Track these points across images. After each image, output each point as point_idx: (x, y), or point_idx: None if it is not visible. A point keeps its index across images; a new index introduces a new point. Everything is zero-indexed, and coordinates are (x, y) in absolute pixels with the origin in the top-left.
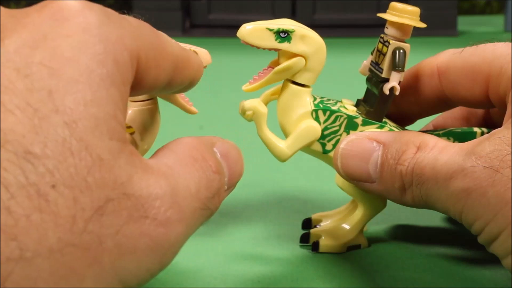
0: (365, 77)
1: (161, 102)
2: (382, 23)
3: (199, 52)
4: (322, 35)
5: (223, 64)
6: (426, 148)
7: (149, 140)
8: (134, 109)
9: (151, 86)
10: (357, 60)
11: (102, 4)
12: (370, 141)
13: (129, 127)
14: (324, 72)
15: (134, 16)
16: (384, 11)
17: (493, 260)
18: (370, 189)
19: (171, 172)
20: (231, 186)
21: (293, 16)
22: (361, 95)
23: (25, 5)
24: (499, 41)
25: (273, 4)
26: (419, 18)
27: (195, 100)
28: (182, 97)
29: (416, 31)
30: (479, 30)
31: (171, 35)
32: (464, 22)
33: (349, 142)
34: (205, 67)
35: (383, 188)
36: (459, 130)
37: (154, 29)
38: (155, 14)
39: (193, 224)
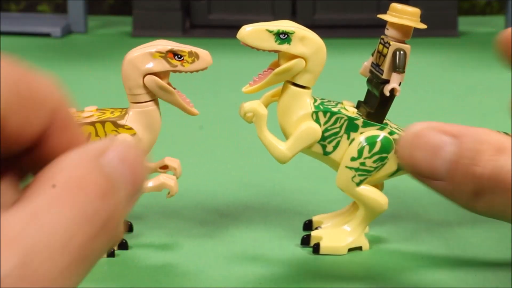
0: (365, 78)
1: (161, 103)
2: (383, 23)
3: (200, 54)
4: (322, 35)
5: (223, 64)
6: (506, 151)
7: (150, 142)
8: (135, 110)
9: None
10: (358, 61)
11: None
12: (441, 133)
13: (130, 128)
14: (324, 72)
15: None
16: (385, 12)
17: (496, 263)
18: (436, 188)
19: (29, 229)
20: (136, 193)
21: (293, 16)
22: (361, 96)
23: (25, 6)
24: None
25: (273, 4)
26: (419, 19)
27: (195, 101)
28: (183, 98)
29: (416, 32)
30: (480, 31)
31: (171, 35)
32: (464, 23)
33: (417, 130)
34: (205, 68)
35: (452, 189)
36: None
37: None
38: (155, 14)
39: (71, 281)
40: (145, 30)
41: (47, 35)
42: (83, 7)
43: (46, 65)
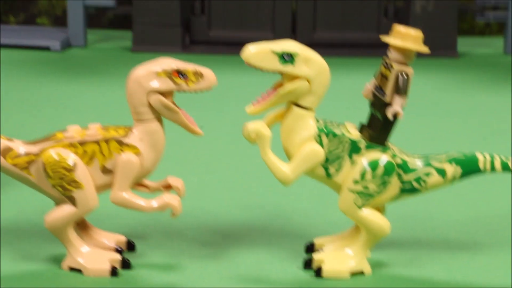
0: (366, 97)
1: (165, 121)
2: (382, 43)
3: (204, 73)
4: (321, 53)
5: (223, 81)
6: None
7: (154, 161)
8: (139, 129)
9: None
10: (358, 80)
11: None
12: None
13: (134, 147)
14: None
15: None
16: (385, 31)
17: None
18: None
19: None
20: None
21: (293, 34)
22: (361, 115)
23: (24, 18)
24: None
25: (274, 21)
26: (422, 42)
27: (196, 119)
28: (187, 118)
29: (417, 53)
30: (479, 52)
31: (171, 50)
32: (463, 44)
33: None
34: (210, 88)
35: None
36: (462, 156)
37: None
38: (154, 30)
39: None
40: (145, 45)
41: (46, 48)
42: (83, 20)
43: (45, 79)
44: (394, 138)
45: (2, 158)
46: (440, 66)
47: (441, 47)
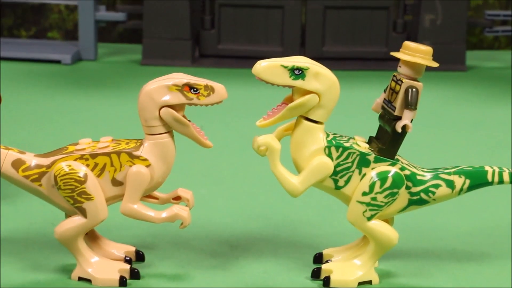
0: (374, 112)
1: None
2: (391, 57)
3: (215, 87)
4: (330, 67)
5: (232, 94)
6: None
7: (164, 173)
8: (150, 142)
9: None
10: (366, 94)
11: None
12: None
13: (145, 159)
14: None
15: None
16: (394, 45)
17: None
18: None
19: None
20: None
21: (302, 47)
22: (370, 129)
23: (35, 32)
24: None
25: (283, 35)
26: (431, 58)
27: (205, 132)
28: (197, 131)
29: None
30: (488, 65)
31: (180, 64)
32: (472, 57)
33: None
34: (221, 102)
35: None
36: (471, 168)
37: None
38: (164, 43)
39: None
40: (155, 59)
41: (57, 62)
42: (93, 34)
43: (56, 92)
44: (403, 151)
45: (14, 170)
46: (448, 79)
47: (449, 60)
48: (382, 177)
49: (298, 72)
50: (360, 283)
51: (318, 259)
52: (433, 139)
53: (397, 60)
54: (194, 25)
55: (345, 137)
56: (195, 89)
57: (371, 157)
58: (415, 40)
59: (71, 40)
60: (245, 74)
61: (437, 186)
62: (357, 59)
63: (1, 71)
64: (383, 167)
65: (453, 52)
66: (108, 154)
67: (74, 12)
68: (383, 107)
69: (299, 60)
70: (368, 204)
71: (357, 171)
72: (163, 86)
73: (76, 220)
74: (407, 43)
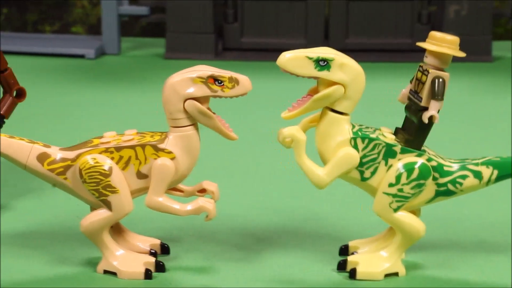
0: (401, 104)
1: (200, 127)
2: (416, 48)
3: (240, 79)
4: (355, 59)
5: (255, 87)
6: None
7: (189, 166)
8: (174, 134)
9: None
10: (391, 85)
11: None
12: None
13: (169, 152)
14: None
15: None
16: (419, 36)
17: None
18: None
19: None
20: None
21: (326, 40)
22: (396, 120)
23: (59, 27)
24: None
25: (306, 28)
26: (458, 47)
27: (229, 124)
28: (222, 123)
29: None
30: None
31: (204, 58)
32: (498, 48)
33: None
34: (245, 94)
35: None
36: (499, 159)
37: None
38: (187, 37)
39: None
40: (178, 53)
41: (81, 56)
42: (116, 28)
43: (81, 86)
44: (430, 142)
45: (39, 164)
46: (474, 70)
47: (475, 51)
48: (409, 168)
49: (323, 63)
50: (386, 275)
51: (344, 251)
52: (459, 131)
53: (422, 51)
54: (217, 18)
55: (371, 128)
56: (219, 81)
57: (398, 148)
58: (440, 31)
59: (94, 35)
60: (268, 67)
61: (464, 177)
62: (381, 50)
63: (26, 66)
64: (409, 158)
65: (479, 43)
66: (133, 147)
67: (97, 6)
68: (409, 98)
69: (324, 51)
70: (394, 196)
71: (383, 162)
72: (188, 79)
73: (102, 213)
74: (433, 33)
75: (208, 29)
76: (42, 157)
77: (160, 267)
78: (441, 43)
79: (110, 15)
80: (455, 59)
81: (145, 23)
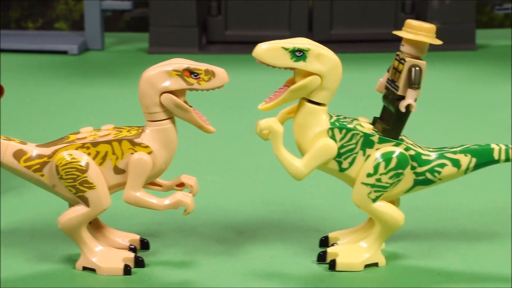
0: (379, 92)
1: (178, 120)
2: (400, 38)
3: (216, 72)
4: (339, 50)
5: (240, 80)
6: None
7: (167, 160)
8: (151, 128)
9: None
10: (375, 76)
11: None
12: None
13: (146, 146)
14: (341, 88)
15: None
16: (402, 25)
17: None
18: None
19: None
20: None
21: (310, 31)
22: (378, 112)
23: (42, 24)
24: None
25: (290, 20)
26: (435, 35)
27: (211, 118)
28: (199, 116)
29: (434, 45)
30: (498, 44)
31: (188, 51)
32: (482, 36)
33: None
34: (222, 86)
35: None
36: (477, 146)
37: None
38: (171, 31)
39: None
40: (162, 47)
41: (64, 52)
42: (100, 24)
43: (64, 82)
44: (412, 131)
45: (15, 161)
46: (458, 58)
47: (459, 40)
48: (387, 157)
49: (299, 54)
50: (366, 266)
51: (324, 242)
52: (442, 119)
53: None
54: (200, 12)
55: (349, 118)
56: (195, 74)
57: (375, 138)
58: (424, 20)
59: (78, 31)
60: (253, 60)
61: (442, 165)
62: (366, 41)
63: (9, 63)
64: (387, 147)
65: (463, 31)
66: (109, 142)
67: (81, 2)
68: (386, 87)
69: (300, 42)
70: (373, 186)
71: (361, 152)
72: (163, 72)
73: (79, 210)
74: (409, 21)
75: (191, 22)
76: (18, 154)
77: (139, 263)
78: (418, 31)
79: (93, 11)
80: (439, 47)
81: (129, 17)
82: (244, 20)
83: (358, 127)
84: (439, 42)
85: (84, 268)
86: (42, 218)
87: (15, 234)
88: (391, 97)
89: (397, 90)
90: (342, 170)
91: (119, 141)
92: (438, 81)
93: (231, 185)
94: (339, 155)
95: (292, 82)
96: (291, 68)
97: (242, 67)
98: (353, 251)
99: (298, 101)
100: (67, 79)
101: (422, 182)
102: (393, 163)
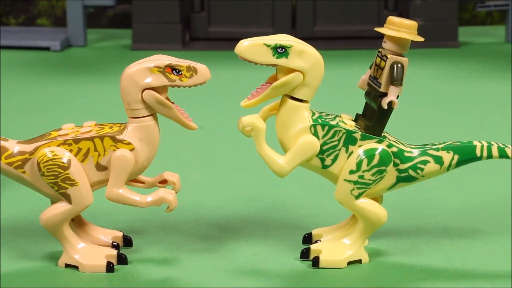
0: (361, 89)
1: (160, 117)
2: (383, 34)
3: (198, 68)
4: (322, 47)
5: (223, 77)
6: None
7: (149, 157)
8: (133, 125)
9: None
10: (358, 73)
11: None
12: None
13: (128, 143)
14: (324, 84)
15: None
16: (385, 23)
17: (496, 276)
18: None
19: None
20: None
21: (293, 28)
22: (361, 108)
23: (24, 20)
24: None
25: (273, 16)
26: (416, 32)
27: (194, 115)
28: (181, 113)
29: (417, 43)
30: (481, 41)
31: (171, 48)
32: (465, 33)
33: None
34: (204, 83)
35: None
36: (459, 143)
37: None
38: (154, 27)
39: None
40: (145, 43)
41: (46, 48)
42: (82, 20)
43: (46, 79)
44: (395, 128)
45: None
46: (441, 56)
47: (442, 37)
48: (369, 154)
49: (281, 50)
50: (349, 263)
51: (308, 239)
52: (425, 116)
53: None
54: (183, 8)
55: (331, 115)
56: (177, 71)
57: (358, 135)
58: (406, 17)
59: (60, 27)
60: (236, 57)
61: (425, 162)
62: (349, 38)
63: None
64: (370, 144)
65: (446, 28)
66: (91, 139)
67: None
68: (369, 84)
69: (282, 38)
70: (355, 183)
71: (343, 149)
72: (145, 69)
73: (61, 206)
74: (391, 18)
75: (174, 19)
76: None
77: (122, 260)
78: (399, 28)
79: (76, 7)
80: (422, 44)
81: (112, 14)
82: (227, 17)
83: (341, 124)
84: (420, 39)
85: (67, 265)
86: (24, 215)
87: None
88: (374, 94)
89: (379, 87)
90: (325, 167)
91: (101, 137)
92: (420, 78)
93: (214, 182)
94: (321, 152)
95: (274, 79)
96: (273, 65)
97: (225, 63)
98: (336, 248)
99: (280, 98)
100: (49, 76)
101: (404, 179)
102: (375, 160)
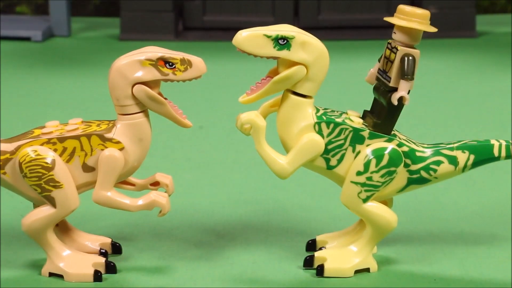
0: (369, 83)
1: (152, 114)
2: (392, 24)
3: (193, 61)
4: (327, 37)
5: (219, 69)
6: None
7: (140, 157)
8: (123, 123)
9: None
10: (366, 65)
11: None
12: None
13: (117, 142)
14: (329, 77)
15: None
16: (395, 11)
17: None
18: None
19: None
20: None
21: (296, 17)
22: (368, 104)
23: (2, 7)
24: None
25: (274, 4)
26: (429, 22)
27: (189, 110)
28: (175, 109)
29: (430, 33)
30: (500, 31)
31: (163, 38)
32: (483, 22)
33: None
34: (199, 77)
35: None
36: (475, 142)
37: None
38: (145, 16)
39: None
40: (134, 33)
41: (27, 39)
42: (66, 8)
43: (26, 71)
44: (405, 126)
45: None
46: (457, 47)
47: (458, 26)
48: (378, 154)
49: (282, 42)
50: (356, 271)
51: (311, 246)
52: (439, 113)
53: None
54: None
55: (337, 112)
56: (170, 64)
57: (366, 133)
58: (419, 5)
59: (42, 15)
60: (234, 48)
61: (438, 163)
62: (356, 27)
63: None
64: (378, 143)
65: (462, 17)
66: (77, 137)
67: None
68: (377, 78)
69: (284, 29)
70: (363, 185)
71: (350, 148)
72: (135, 61)
73: (45, 211)
74: (402, 7)
75: (167, 7)
76: None
77: (110, 268)
78: (411, 17)
79: None
80: (437, 35)
81: (98, 1)
82: (224, 5)
83: (347, 121)
84: (433, 29)
85: (51, 274)
86: (4, 220)
87: None
88: (383, 88)
89: (389, 82)
90: (330, 168)
91: (88, 136)
92: (434, 71)
93: (210, 184)
94: (326, 151)
95: (275, 72)
96: (274, 57)
97: (221, 55)
98: (342, 255)
99: (281, 93)
100: (30, 68)
101: (416, 180)
102: (385, 161)
